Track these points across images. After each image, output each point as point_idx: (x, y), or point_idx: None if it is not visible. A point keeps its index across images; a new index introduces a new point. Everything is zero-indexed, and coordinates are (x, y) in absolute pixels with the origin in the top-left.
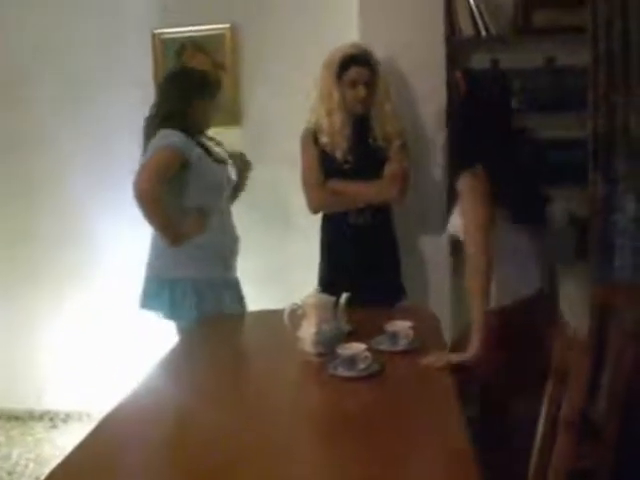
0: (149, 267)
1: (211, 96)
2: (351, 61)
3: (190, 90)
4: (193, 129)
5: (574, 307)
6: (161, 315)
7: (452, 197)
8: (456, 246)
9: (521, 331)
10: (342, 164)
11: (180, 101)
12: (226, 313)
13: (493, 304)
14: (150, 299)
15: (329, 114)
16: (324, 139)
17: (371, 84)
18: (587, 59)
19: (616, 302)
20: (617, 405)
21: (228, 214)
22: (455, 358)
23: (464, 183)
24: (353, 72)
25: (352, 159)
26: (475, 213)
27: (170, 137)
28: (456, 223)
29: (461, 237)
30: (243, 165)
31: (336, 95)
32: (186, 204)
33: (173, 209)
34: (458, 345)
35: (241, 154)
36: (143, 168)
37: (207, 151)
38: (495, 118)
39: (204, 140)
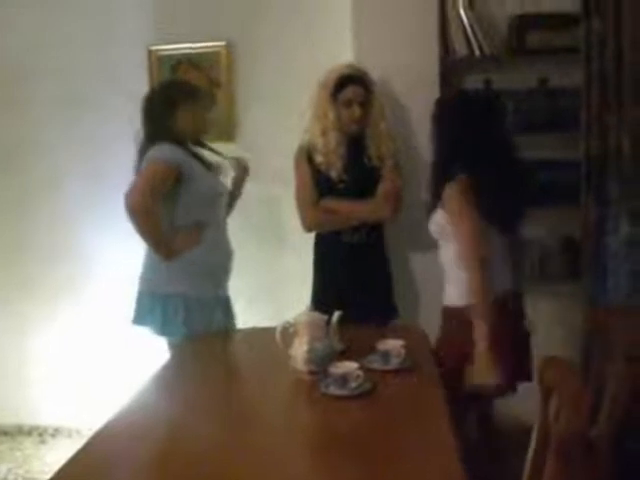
0: (142, 281)
1: (193, 103)
2: (347, 81)
3: (171, 101)
4: (183, 139)
5: (567, 328)
6: (152, 331)
7: (433, 203)
8: None
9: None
10: (336, 183)
11: (164, 115)
12: (217, 330)
13: (464, 301)
14: (142, 315)
15: (324, 133)
16: (319, 158)
17: (366, 104)
18: (580, 80)
19: (610, 324)
20: (615, 428)
21: (224, 227)
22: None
23: (453, 190)
24: (349, 91)
25: (347, 178)
26: (463, 223)
27: (162, 150)
28: (438, 222)
29: (439, 238)
30: (241, 170)
31: (331, 114)
32: (180, 218)
33: (167, 223)
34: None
35: (239, 159)
36: (135, 182)
37: (201, 161)
38: (482, 130)
39: (197, 150)
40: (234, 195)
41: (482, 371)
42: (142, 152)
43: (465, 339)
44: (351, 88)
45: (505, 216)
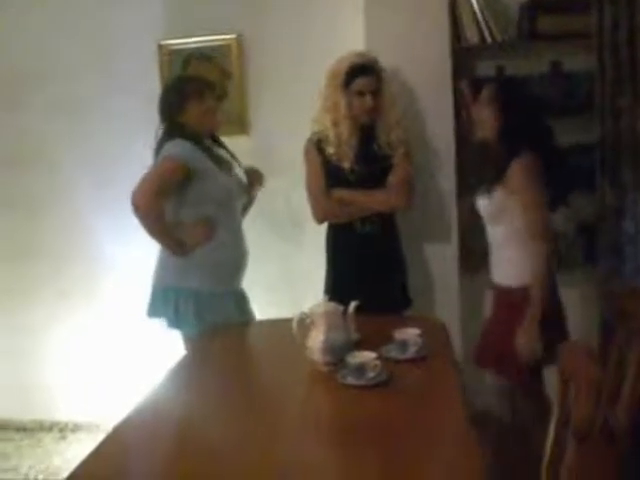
0: (155, 276)
1: (204, 97)
2: (359, 70)
3: (181, 96)
4: (196, 135)
5: (583, 311)
6: (165, 323)
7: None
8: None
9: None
10: (348, 173)
11: (175, 110)
12: (233, 323)
13: (519, 282)
14: (155, 307)
15: (335, 124)
16: (330, 149)
17: (377, 93)
18: (593, 64)
19: (630, 309)
20: (636, 412)
21: (238, 225)
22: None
23: (520, 167)
24: (360, 82)
25: (358, 168)
26: (534, 193)
27: (174, 147)
28: (496, 204)
29: (495, 218)
30: (256, 181)
31: (343, 105)
32: (192, 214)
33: (179, 219)
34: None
35: (255, 170)
36: (142, 180)
37: (215, 158)
38: (537, 113)
39: (213, 146)
40: (246, 204)
41: (531, 338)
42: (157, 149)
43: (518, 318)
44: (363, 78)
45: (559, 194)
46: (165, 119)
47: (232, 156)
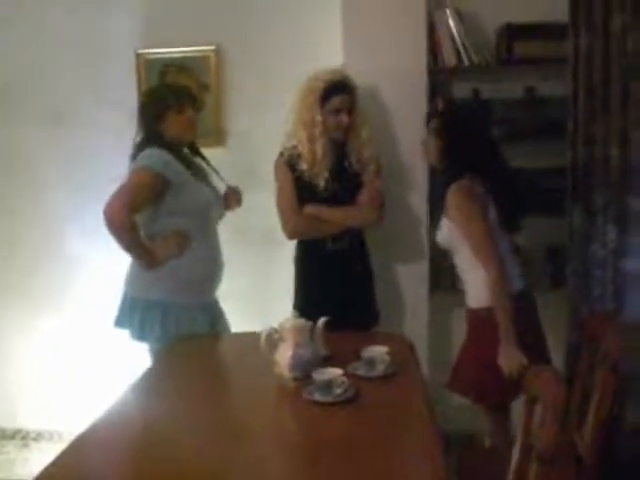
0: (126, 284)
1: (182, 106)
2: (336, 88)
3: (161, 106)
4: (174, 144)
5: (550, 334)
6: (131, 335)
7: (436, 212)
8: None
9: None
10: (321, 190)
11: (154, 118)
12: (201, 334)
13: (482, 304)
14: (123, 318)
15: (311, 141)
16: (303, 166)
17: (352, 111)
18: (567, 89)
19: (598, 332)
20: (601, 434)
21: (214, 238)
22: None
23: (453, 193)
24: (337, 99)
25: (330, 185)
26: (469, 219)
27: (149, 157)
28: (445, 234)
29: (449, 247)
30: (234, 200)
31: (319, 121)
32: (166, 225)
33: (152, 230)
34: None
35: (235, 189)
36: (116, 193)
37: (192, 168)
38: (480, 130)
39: (189, 155)
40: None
41: (512, 359)
42: (134, 155)
43: (492, 339)
44: (341, 96)
45: (510, 216)
46: (143, 127)
47: (212, 168)
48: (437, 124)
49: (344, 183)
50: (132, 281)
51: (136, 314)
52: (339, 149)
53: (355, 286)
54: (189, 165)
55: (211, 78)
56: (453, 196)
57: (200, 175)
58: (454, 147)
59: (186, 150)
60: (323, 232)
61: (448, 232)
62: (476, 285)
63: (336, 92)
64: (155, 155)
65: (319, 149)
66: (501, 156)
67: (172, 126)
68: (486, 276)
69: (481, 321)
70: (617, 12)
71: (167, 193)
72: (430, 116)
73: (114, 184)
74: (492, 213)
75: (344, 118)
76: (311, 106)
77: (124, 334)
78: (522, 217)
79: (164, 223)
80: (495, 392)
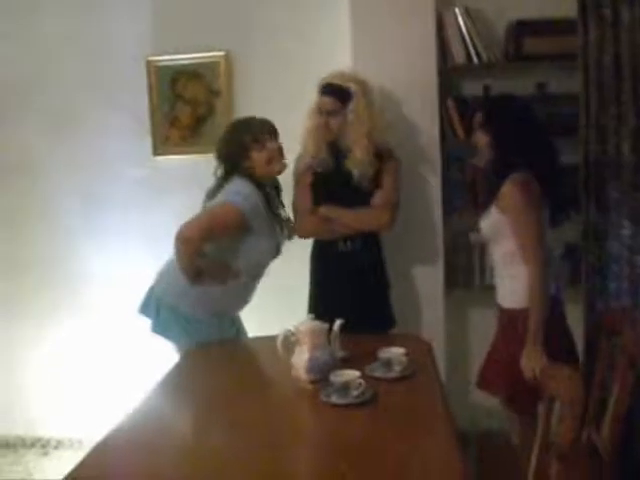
0: (158, 278)
1: (263, 143)
2: (323, 89)
3: (241, 147)
4: (263, 179)
5: None
6: (152, 328)
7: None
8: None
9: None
10: (333, 190)
11: (239, 158)
12: (220, 339)
13: (517, 304)
14: (148, 309)
15: (307, 136)
16: (315, 165)
17: (336, 113)
18: (578, 85)
19: (614, 327)
20: (620, 430)
21: (256, 281)
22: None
23: (512, 186)
24: (321, 101)
25: (338, 187)
26: (525, 215)
27: (240, 195)
28: (492, 223)
29: (492, 236)
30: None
31: (312, 119)
32: (224, 255)
33: (207, 250)
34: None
35: (289, 219)
36: (198, 218)
37: (273, 210)
38: (528, 122)
39: (272, 193)
40: None
41: (535, 361)
42: (216, 188)
43: (519, 340)
44: (323, 97)
45: (559, 212)
46: (227, 164)
47: (281, 202)
48: (481, 118)
49: (342, 185)
50: (164, 281)
51: (163, 311)
52: (334, 148)
53: (368, 288)
54: (270, 206)
55: (221, 84)
56: (510, 187)
57: (277, 219)
58: (502, 140)
59: (268, 187)
60: (334, 233)
61: (495, 222)
62: (514, 280)
63: (322, 93)
64: (245, 193)
65: (311, 145)
66: (552, 149)
67: (257, 163)
68: (527, 272)
69: (515, 321)
70: (626, 6)
71: (242, 238)
72: (473, 111)
73: (124, 190)
74: (545, 212)
75: (323, 119)
76: (313, 106)
77: (141, 341)
78: (574, 212)
79: (225, 255)
80: (527, 394)
